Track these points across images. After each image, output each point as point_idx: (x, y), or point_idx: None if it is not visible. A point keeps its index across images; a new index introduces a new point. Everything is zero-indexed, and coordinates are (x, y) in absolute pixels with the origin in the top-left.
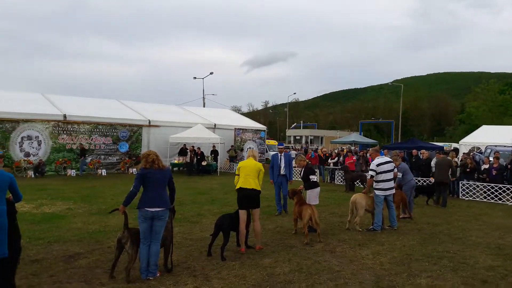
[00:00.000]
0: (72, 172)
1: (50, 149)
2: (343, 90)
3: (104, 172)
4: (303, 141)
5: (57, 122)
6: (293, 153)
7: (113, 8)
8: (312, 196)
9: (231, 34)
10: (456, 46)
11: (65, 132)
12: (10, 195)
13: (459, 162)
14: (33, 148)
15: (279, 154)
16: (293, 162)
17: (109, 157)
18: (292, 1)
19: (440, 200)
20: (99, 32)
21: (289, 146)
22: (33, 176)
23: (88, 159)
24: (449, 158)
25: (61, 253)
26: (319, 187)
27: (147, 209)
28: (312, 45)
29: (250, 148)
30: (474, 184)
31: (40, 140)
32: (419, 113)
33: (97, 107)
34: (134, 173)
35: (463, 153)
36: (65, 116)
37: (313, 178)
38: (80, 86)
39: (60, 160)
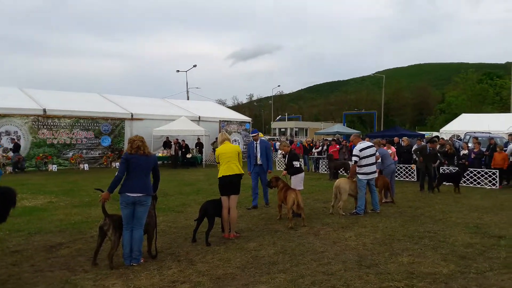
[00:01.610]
0: (53, 167)
1: (30, 144)
2: (327, 82)
3: (86, 166)
4: (288, 133)
5: (37, 117)
6: (277, 144)
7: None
8: (297, 181)
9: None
10: (437, 37)
11: (45, 126)
12: None
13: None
14: (12, 143)
15: (254, 142)
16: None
17: (91, 152)
18: None
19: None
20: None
21: (274, 138)
22: (12, 171)
23: (70, 154)
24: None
25: (42, 243)
26: (303, 173)
27: (128, 194)
28: (297, 38)
29: (222, 132)
30: (454, 169)
31: (20, 135)
32: (401, 103)
33: (78, 101)
34: (117, 167)
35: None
36: (45, 110)
37: (296, 164)
38: (60, 82)
39: (41, 155)
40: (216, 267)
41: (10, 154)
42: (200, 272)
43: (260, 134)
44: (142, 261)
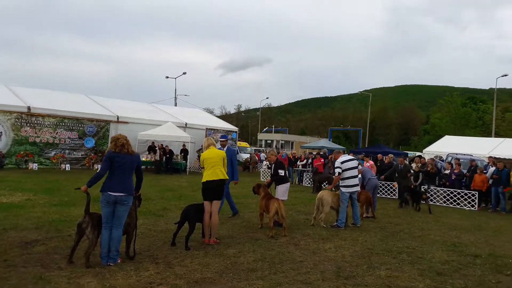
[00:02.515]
0: (34, 166)
1: (12, 141)
2: (315, 97)
3: (68, 167)
4: (274, 145)
5: (20, 114)
6: (263, 155)
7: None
8: (282, 191)
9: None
10: (424, 59)
11: (28, 124)
12: None
13: (419, 167)
14: None
15: (222, 149)
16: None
17: (74, 152)
18: (270, 7)
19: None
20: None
21: (260, 149)
22: None
23: (52, 153)
24: (407, 164)
25: (18, 239)
26: (289, 183)
27: (110, 193)
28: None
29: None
30: (435, 189)
31: (1, 132)
32: (386, 123)
33: (64, 100)
34: (99, 169)
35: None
36: (29, 108)
37: (281, 172)
38: (47, 82)
39: (22, 153)
40: (194, 271)
41: None
42: (177, 275)
43: (245, 144)
44: (119, 261)
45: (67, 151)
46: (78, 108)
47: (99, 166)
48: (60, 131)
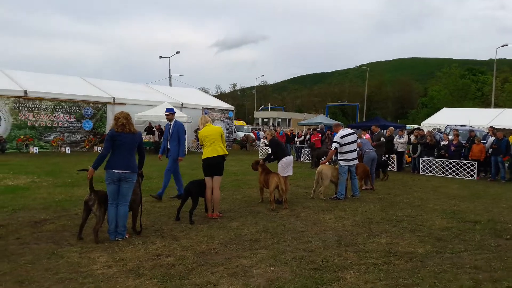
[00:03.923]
0: (35, 150)
1: (11, 126)
2: (311, 74)
3: (68, 150)
4: (271, 123)
5: (18, 98)
6: (261, 134)
7: None
8: (281, 167)
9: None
10: (422, 32)
11: (26, 108)
12: None
13: (418, 139)
14: None
15: (169, 124)
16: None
17: (73, 135)
18: None
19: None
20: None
21: (256, 127)
22: None
23: (51, 137)
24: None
25: (27, 219)
26: (289, 157)
27: (113, 170)
28: (283, 29)
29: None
30: (434, 160)
31: (0, 117)
32: (384, 97)
33: (60, 83)
34: (99, 151)
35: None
36: (25, 92)
37: (272, 151)
38: (40, 65)
39: (22, 137)
40: (200, 243)
41: None
42: (184, 247)
43: (242, 123)
44: (127, 236)
45: (66, 134)
46: (74, 91)
47: (99, 148)
48: (58, 114)
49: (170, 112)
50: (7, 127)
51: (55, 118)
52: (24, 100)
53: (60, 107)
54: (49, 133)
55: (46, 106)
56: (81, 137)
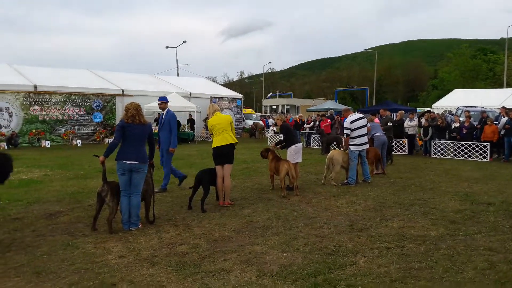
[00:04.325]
0: (46, 143)
1: (23, 121)
2: (319, 59)
3: (79, 142)
4: (279, 110)
5: (28, 93)
6: (270, 121)
7: None
8: (290, 153)
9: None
10: (430, 13)
11: (36, 103)
12: None
13: (429, 122)
14: (4, 120)
15: (162, 113)
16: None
17: (84, 128)
18: None
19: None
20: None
21: (265, 115)
22: (6, 147)
23: (62, 130)
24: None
25: (42, 212)
26: (298, 144)
27: (124, 161)
28: (289, 14)
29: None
30: (446, 143)
31: (11, 112)
32: (393, 80)
33: (68, 77)
34: (109, 143)
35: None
36: (35, 86)
37: (282, 137)
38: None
39: (33, 131)
40: (212, 230)
41: (3, 130)
42: (197, 235)
43: (250, 111)
44: (140, 226)
45: (76, 127)
46: (83, 84)
47: (110, 140)
48: (68, 108)
49: (162, 101)
50: (18, 122)
51: (65, 112)
52: (34, 94)
53: (70, 100)
54: (60, 126)
55: (56, 100)
56: (91, 130)
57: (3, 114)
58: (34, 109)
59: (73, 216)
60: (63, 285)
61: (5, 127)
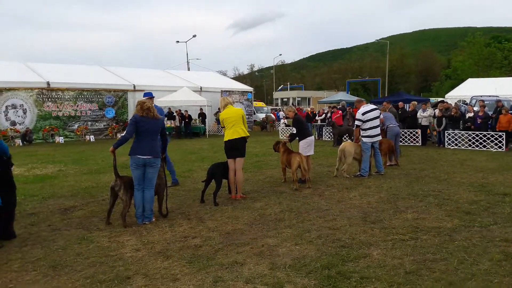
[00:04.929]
0: (60, 139)
1: (36, 117)
2: (330, 50)
3: (92, 138)
4: (290, 102)
5: (41, 90)
6: (281, 114)
7: None
8: (302, 146)
9: None
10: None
11: (50, 99)
12: None
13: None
14: (18, 116)
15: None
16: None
17: (96, 123)
18: None
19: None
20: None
21: (276, 108)
22: (21, 144)
23: (75, 126)
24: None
25: (57, 206)
26: (310, 137)
27: (138, 156)
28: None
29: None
30: (460, 133)
31: (25, 109)
32: (406, 70)
33: (80, 73)
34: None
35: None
36: (48, 83)
37: (295, 130)
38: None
39: (47, 127)
40: (225, 224)
41: (18, 127)
42: (210, 229)
43: (261, 104)
44: (154, 219)
45: (89, 122)
46: (95, 80)
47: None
48: (81, 104)
49: (148, 97)
50: (32, 118)
51: (78, 108)
52: (47, 91)
53: (82, 96)
54: (73, 122)
55: (68, 96)
56: (104, 125)
57: (17, 111)
58: (48, 106)
59: (87, 210)
60: (79, 278)
61: (20, 124)
